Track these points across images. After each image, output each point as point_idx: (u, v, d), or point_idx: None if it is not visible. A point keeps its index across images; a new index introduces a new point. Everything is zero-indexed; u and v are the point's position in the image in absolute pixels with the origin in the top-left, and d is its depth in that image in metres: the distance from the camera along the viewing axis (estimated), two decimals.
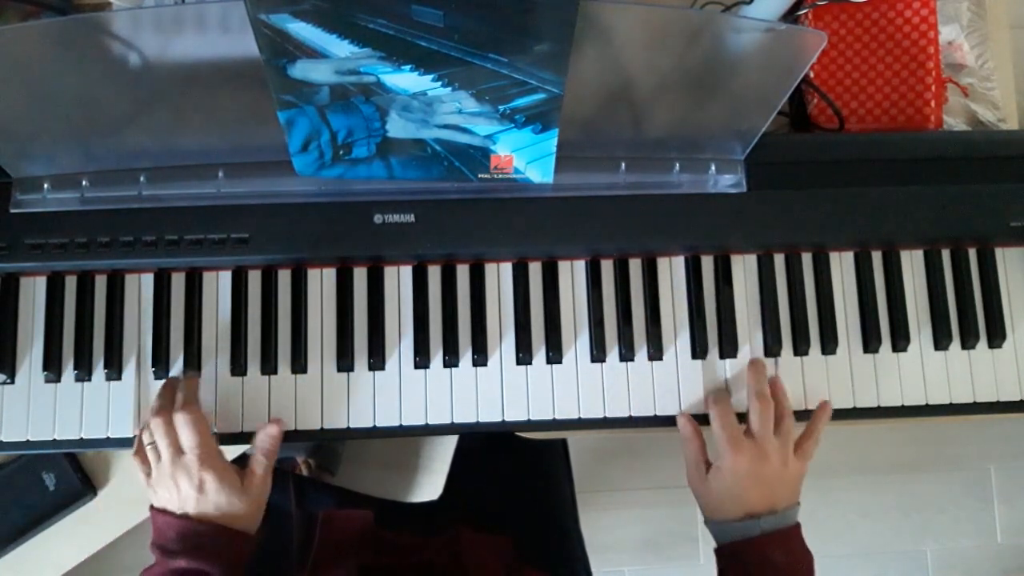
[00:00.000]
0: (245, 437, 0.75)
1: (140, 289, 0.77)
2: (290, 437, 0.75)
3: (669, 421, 0.77)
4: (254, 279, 0.77)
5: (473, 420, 0.76)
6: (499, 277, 0.78)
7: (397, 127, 0.67)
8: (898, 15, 0.83)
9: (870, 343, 0.78)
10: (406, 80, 0.63)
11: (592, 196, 0.75)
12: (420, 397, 0.76)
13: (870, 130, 0.83)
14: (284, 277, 0.77)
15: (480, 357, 0.76)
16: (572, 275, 0.79)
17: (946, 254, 0.81)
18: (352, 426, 0.75)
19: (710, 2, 0.85)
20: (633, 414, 0.76)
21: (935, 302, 0.80)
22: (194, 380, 0.74)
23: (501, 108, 0.65)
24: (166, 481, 0.66)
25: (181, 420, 0.67)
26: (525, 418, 0.76)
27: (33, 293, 0.76)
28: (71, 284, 0.76)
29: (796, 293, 0.79)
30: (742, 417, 0.74)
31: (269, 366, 0.75)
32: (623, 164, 0.75)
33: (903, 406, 0.78)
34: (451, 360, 0.76)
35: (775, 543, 0.68)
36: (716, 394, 0.76)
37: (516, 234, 0.75)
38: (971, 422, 0.84)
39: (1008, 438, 1.77)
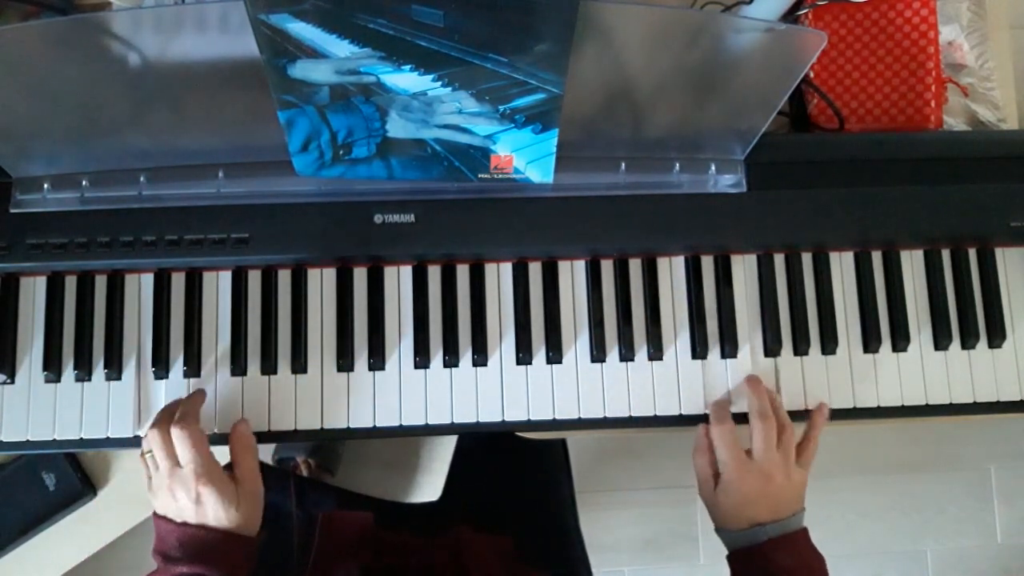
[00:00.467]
0: None
1: (140, 289, 0.77)
2: (290, 437, 0.75)
3: (669, 421, 0.77)
4: (254, 279, 0.77)
5: (473, 420, 0.76)
6: (499, 277, 0.78)
7: (397, 127, 0.67)
8: (898, 15, 0.83)
9: (870, 343, 0.78)
10: (406, 80, 0.63)
11: (592, 196, 0.75)
12: (420, 397, 0.76)
13: (870, 130, 0.83)
14: (284, 277, 0.77)
15: (480, 357, 0.76)
16: (572, 275, 0.79)
17: (946, 254, 0.81)
18: (352, 426, 0.75)
19: (710, 2, 0.85)
20: (633, 414, 0.76)
21: (935, 302, 0.80)
22: (199, 396, 0.73)
23: (501, 108, 0.65)
24: (164, 491, 0.67)
25: (177, 435, 0.66)
26: (525, 418, 0.76)
27: (33, 293, 0.76)
28: (71, 284, 0.76)
29: (796, 293, 0.79)
30: (741, 418, 0.74)
31: (269, 366, 0.75)
32: (623, 164, 0.75)
33: (903, 406, 0.78)
34: (451, 360, 0.76)
35: (782, 548, 0.68)
36: (718, 411, 0.75)
37: (516, 234, 0.75)
38: (971, 422, 0.84)
39: (1008, 438, 1.77)
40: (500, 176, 0.72)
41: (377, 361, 0.76)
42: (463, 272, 0.78)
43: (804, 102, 0.85)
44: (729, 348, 0.78)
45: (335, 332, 0.76)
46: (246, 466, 0.70)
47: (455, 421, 0.76)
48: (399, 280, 0.77)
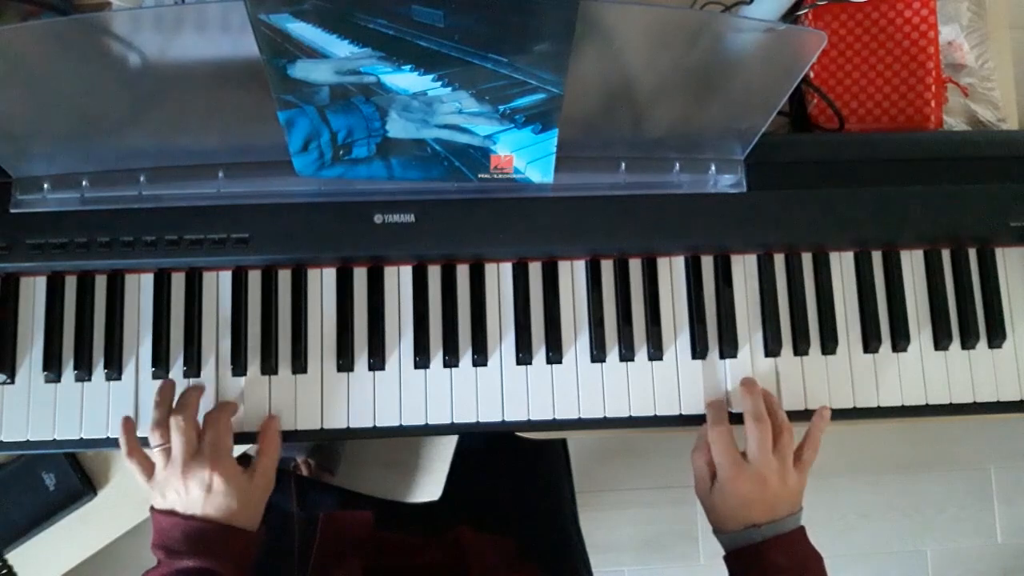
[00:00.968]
0: (245, 437, 0.75)
1: (140, 289, 0.77)
2: (290, 437, 0.75)
3: (669, 421, 0.77)
4: (254, 279, 0.77)
5: (473, 420, 0.76)
6: (499, 277, 0.78)
7: (397, 127, 0.67)
8: (898, 15, 0.83)
9: (870, 343, 0.78)
10: (406, 80, 0.63)
11: (592, 196, 0.75)
12: (420, 397, 0.76)
13: (870, 130, 0.83)
14: (284, 277, 0.77)
15: (480, 357, 0.76)
16: (572, 275, 0.79)
17: (946, 254, 0.81)
18: (352, 426, 0.75)
19: (710, 2, 0.85)
20: (633, 414, 0.76)
21: (935, 302, 0.80)
22: (231, 405, 0.74)
23: (501, 108, 0.65)
24: (174, 482, 0.66)
25: (212, 419, 0.69)
26: (525, 418, 0.76)
27: (33, 293, 0.76)
28: (71, 284, 0.76)
29: (796, 293, 0.79)
30: (737, 418, 0.74)
31: (269, 366, 0.75)
32: (623, 164, 0.75)
33: (903, 406, 0.78)
34: (451, 360, 0.76)
35: (778, 548, 0.68)
36: (714, 414, 0.74)
37: (516, 234, 0.75)
38: (971, 422, 0.84)
39: (1008, 438, 1.77)
40: (500, 176, 0.72)
41: (377, 361, 0.76)
42: (463, 272, 0.78)
43: (804, 102, 0.84)
44: (729, 348, 0.78)
45: (335, 332, 0.76)
46: (268, 462, 0.71)
47: (455, 421, 0.76)
48: (399, 280, 0.77)
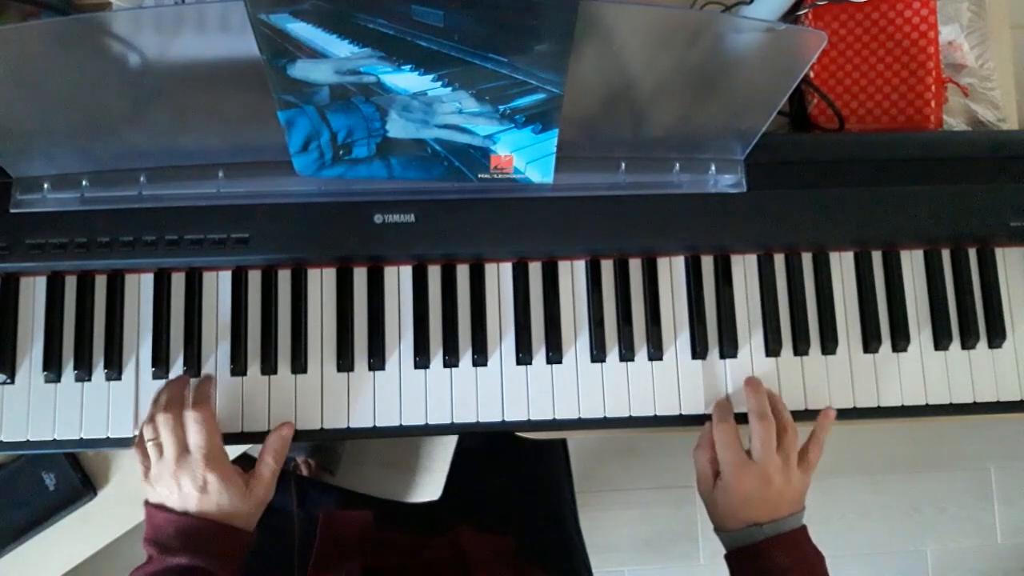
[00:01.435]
0: (245, 437, 0.75)
1: (140, 289, 0.76)
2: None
3: (669, 421, 0.77)
4: (254, 279, 0.77)
5: (473, 420, 0.76)
6: (499, 277, 0.78)
7: (397, 127, 0.67)
8: (898, 15, 0.83)
9: (870, 343, 0.78)
10: (406, 80, 0.63)
11: (592, 196, 0.75)
12: (420, 397, 0.76)
13: (870, 130, 0.83)
14: (284, 277, 0.77)
15: (480, 357, 0.76)
16: (572, 275, 0.79)
17: (946, 254, 0.81)
18: (352, 426, 0.75)
19: (710, 2, 0.85)
20: (633, 414, 0.76)
21: (935, 302, 0.80)
22: (209, 380, 0.74)
23: (501, 108, 0.65)
24: (167, 479, 0.66)
25: (192, 418, 0.66)
26: (525, 418, 0.76)
27: (33, 293, 0.76)
28: (71, 284, 0.76)
29: (796, 293, 0.79)
30: (741, 418, 0.74)
31: (269, 366, 0.75)
32: (623, 164, 0.75)
33: (903, 406, 0.78)
34: (451, 360, 0.76)
35: (779, 547, 0.68)
36: (719, 412, 0.75)
37: (516, 234, 0.75)
38: (971, 422, 0.84)
39: (1008, 438, 1.77)
40: (500, 176, 0.72)
41: (377, 361, 0.76)
42: (463, 272, 0.78)
43: (804, 102, 0.85)
44: (729, 348, 0.78)
45: (335, 332, 0.76)
46: (271, 466, 0.70)
47: (455, 421, 0.76)
48: (399, 280, 0.77)
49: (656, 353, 0.77)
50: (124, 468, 0.81)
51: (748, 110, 0.71)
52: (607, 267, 0.78)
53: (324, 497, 0.98)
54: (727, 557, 0.72)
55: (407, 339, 0.76)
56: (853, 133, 0.83)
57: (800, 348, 0.78)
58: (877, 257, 0.80)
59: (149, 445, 0.68)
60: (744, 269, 0.79)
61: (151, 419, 0.68)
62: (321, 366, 0.76)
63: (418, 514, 1.01)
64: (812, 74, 0.83)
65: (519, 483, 1.00)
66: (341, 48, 0.60)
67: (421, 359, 0.76)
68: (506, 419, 0.76)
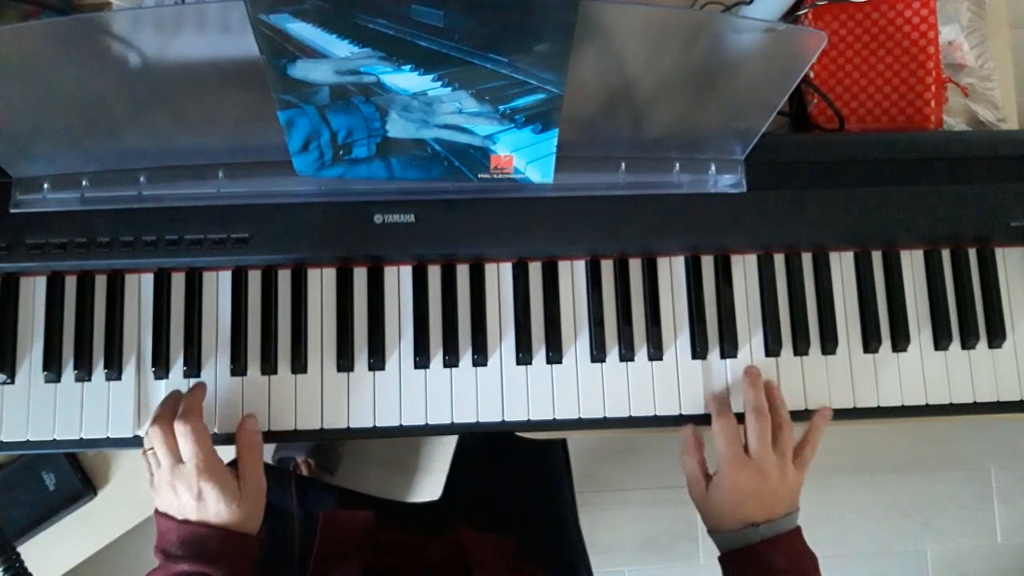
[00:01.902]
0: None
1: (140, 289, 0.77)
2: (290, 437, 0.75)
3: (669, 421, 0.77)
4: (254, 279, 0.77)
5: (473, 420, 0.76)
6: (499, 277, 0.78)
7: (397, 127, 0.67)
8: (898, 15, 0.83)
9: (870, 343, 0.78)
10: (406, 80, 0.63)
11: (592, 196, 0.75)
12: (420, 397, 0.76)
13: (870, 130, 0.83)
14: (284, 277, 0.77)
15: (480, 357, 0.76)
16: (572, 275, 0.79)
17: (946, 254, 0.81)
18: (352, 426, 0.75)
19: (710, 2, 0.85)
20: (633, 414, 0.76)
21: (935, 302, 0.80)
22: (200, 389, 0.74)
23: (501, 108, 0.65)
24: (166, 488, 0.67)
25: (180, 431, 0.67)
26: (525, 418, 0.76)
27: (33, 293, 0.76)
28: (71, 284, 0.76)
29: (796, 293, 0.79)
30: (740, 418, 0.74)
31: (269, 366, 0.76)
32: (623, 164, 0.75)
33: (903, 406, 0.78)
34: (451, 360, 0.76)
35: (775, 548, 0.68)
36: (719, 405, 0.75)
37: (516, 234, 0.75)
38: (971, 422, 0.84)
39: (1008, 438, 1.77)
40: (500, 176, 0.72)
41: (377, 361, 0.76)
42: (463, 272, 0.78)
43: (804, 102, 0.85)
44: (729, 348, 0.78)
45: (335, 332, 0.76)
46: (251, 462, 0.70)
47: (455, 421, 0.76)
48: (399, 280, 0.77)
49: (656, 353, 0.77)
50: (124, 468, 0.81)
51: (748, 110, 0.71)
52: (607, 267, 0.78)
53: (324, 497, 0.98)
54: (722, 559, 0.71)
55: (407, 339, 0.77)
56: (853, 133, 0.83)
57: (800, 348, 0.78)
58: (877, 257, 0.80)
59: (148, 455, 0.69)
60: (744, 269, 0.79)
61: (148, 430, 0.69)
62: (321, 366, 0.76)
63: (418, 514, 1.01)
64: (812, 74, 0.83)
65: (519, 483, 1.00)
66: (341, 48, 0.60)
67: (421, 359, 0.76)
68: (506, 419, 0.76)
